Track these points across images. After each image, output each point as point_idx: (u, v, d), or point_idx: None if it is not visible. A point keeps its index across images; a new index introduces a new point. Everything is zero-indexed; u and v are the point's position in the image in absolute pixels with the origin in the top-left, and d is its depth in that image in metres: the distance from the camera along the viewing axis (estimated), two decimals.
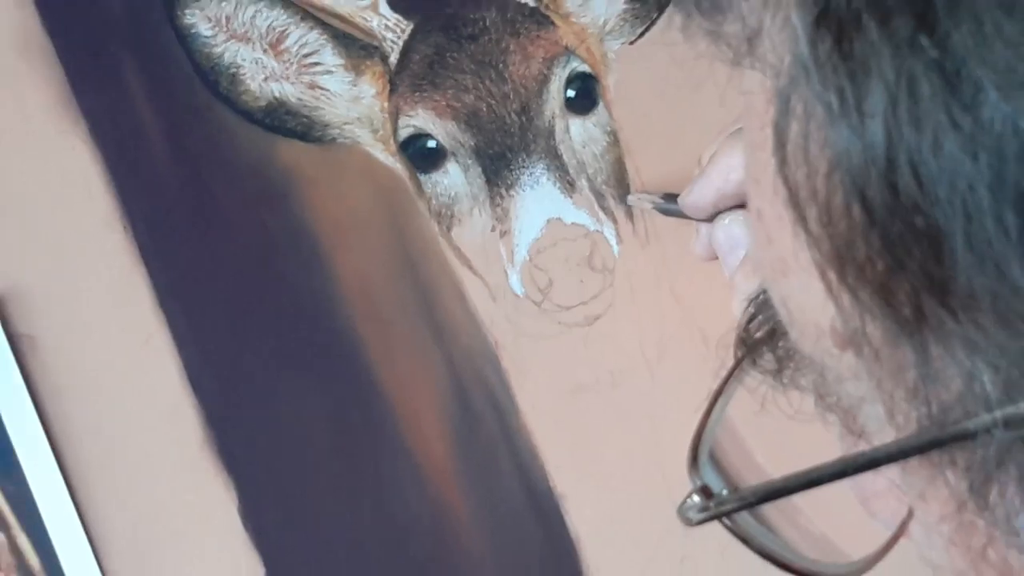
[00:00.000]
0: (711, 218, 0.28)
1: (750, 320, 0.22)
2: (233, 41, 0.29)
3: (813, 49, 0.12)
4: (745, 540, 0.20)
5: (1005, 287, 0.12)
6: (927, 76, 0.11)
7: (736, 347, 0.23)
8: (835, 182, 0.13)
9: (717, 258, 0.28)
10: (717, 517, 0.19)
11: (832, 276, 0.13)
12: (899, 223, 0.12)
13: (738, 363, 0.22)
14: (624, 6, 0.30)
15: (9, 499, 0.28)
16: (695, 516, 0.19)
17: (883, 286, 0.13)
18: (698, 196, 0.28)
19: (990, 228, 0.11)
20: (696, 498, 0.19)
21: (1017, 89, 0.11)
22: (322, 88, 0.29)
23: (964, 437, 0.13)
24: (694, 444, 0.20)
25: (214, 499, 0.29)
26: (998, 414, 0.13)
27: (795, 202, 0.13)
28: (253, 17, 0.29)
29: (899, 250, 0.12)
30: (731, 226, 0.27)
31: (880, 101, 0.12)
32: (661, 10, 0.30)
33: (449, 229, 0.30)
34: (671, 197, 0.29)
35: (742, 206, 0.27)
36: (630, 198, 0.30)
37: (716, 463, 0.20)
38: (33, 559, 0.28)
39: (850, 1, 0.12)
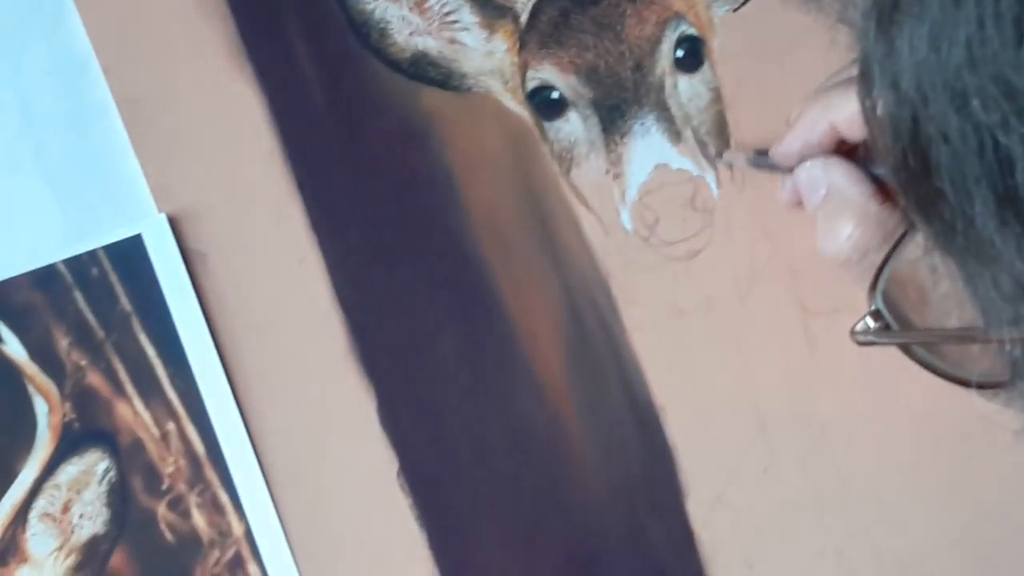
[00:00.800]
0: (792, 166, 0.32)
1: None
2: (383, 0, 0.33)
3: None
4: (905, 350, 0.25)
5: None
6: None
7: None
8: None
9: (801, 204, 0.31)
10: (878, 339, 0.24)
11: None
12: None
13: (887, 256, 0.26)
14: None
15: (180, 394, 0.32)
16: (861, 333, 0.23)
17: None
18: (787, 147, 0.31)
19: None
20: (868, 320, 0.23)
21: None
22: (460, 43, 0.33)
23: None
24: (875, 275, 0.24)
25: (355, 401, 0.33)
26: None
27: None
28: None
29: None
30: (812, 168, 0.30)
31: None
32: None
33: (568, 171, 0.34)
34: (761, 153, 0.33)
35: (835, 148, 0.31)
36: (725, 155, 0.34)
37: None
38: (199, 445, 0.32)
39: None
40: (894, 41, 0.17)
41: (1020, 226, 0.15)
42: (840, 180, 0.29)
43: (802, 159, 0.31)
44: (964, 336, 0.22)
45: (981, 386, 0.24)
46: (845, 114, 0.30)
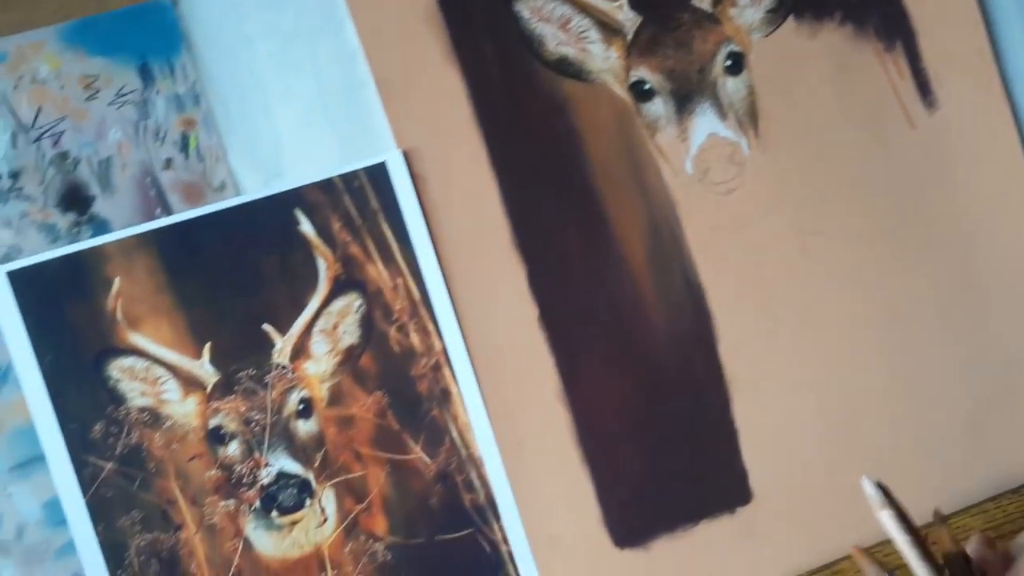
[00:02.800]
0: None
1: None
2: (541, 22, 0.53)
3: None
4: None
5: None
6: None
7: None
8: None
9: None
10: None
11: None
12: None
13: None
14: (762, 15, 0.54)
15: (406, 261, 0.52)
16: None
17: None
18: None
19: None
20: None
21: None
22: (588, 51, 0.53)
23: None
24: None
25: (513, 272, 0.52)
26: None
27: None
28: (552, 9, 0.53)
29: None
30: None
31: None
32: (783, 21, 0.54)
33: (653, 135, 0.54)
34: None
35: None
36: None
37: None
38: (416, 293, 0.52)
39: None
40: None
41: None
42: None
43: None
44: None
45: None
46: None
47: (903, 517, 0.42)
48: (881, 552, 0.51)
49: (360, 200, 0.52)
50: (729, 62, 0.54)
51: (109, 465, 0.50)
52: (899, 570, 0.44)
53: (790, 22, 0.55)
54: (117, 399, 0.50)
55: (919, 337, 0.55)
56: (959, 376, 0.56)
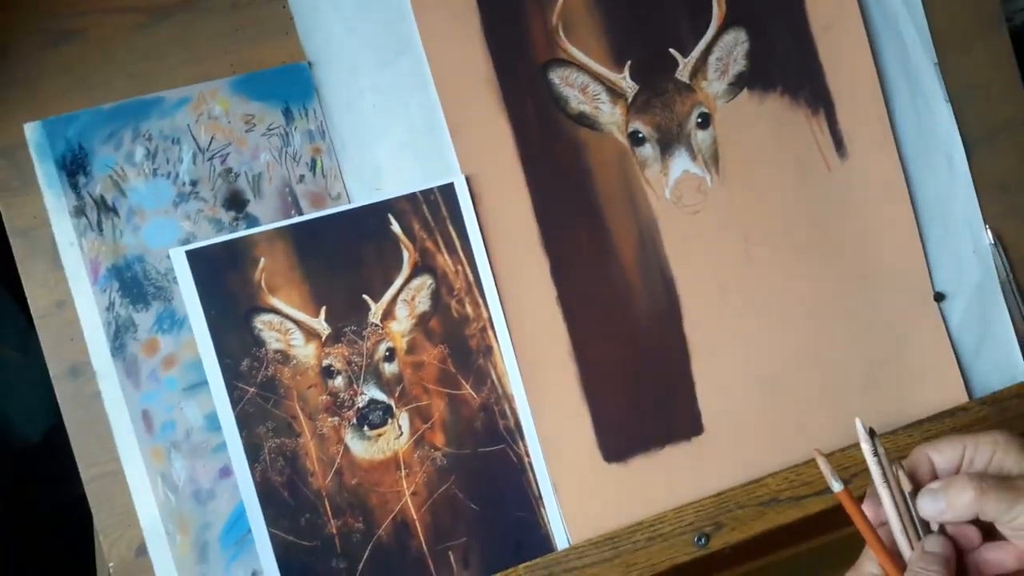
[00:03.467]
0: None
1: None
2: (566, 86, 0.72)
3: None
4: None
5: None
6: None
7: None
8: None
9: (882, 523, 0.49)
10: None
11: None
12: None
13: None
14: (725, 87, 0.73)
15: (464, 254, 0.71)
16: None
17: None
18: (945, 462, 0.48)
19: None
20: None
21: None
22: (600, 109, 0.72)
23: None
24: None
25: (540, 265, 0.72)
26: None
27: None
28: (576, 77, 0.72)
29: None
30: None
31: None
32: (740, 92, 0.73)
33: (643, 170, 0.71)
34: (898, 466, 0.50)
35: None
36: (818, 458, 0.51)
37: None
38: (471, 276, 0.69)
39: None
40: None
41: None
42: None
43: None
44: None
45: None
46: (945, 458, 0.47)
47: (879, 453, 0.48)
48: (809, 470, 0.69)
49: (434, 209, 0.69)
50: (700, 120, 0.72)
51: (252, 390, 0.65)
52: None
53: (745, 92, 0.71)
54: (259, 343, 0.65)
55: (830, 318, 0.70)
56: (858, 346, 0.71)
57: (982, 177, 0.72)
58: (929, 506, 0.46)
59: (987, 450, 0.47)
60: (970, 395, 0.72)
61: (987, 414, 0.69)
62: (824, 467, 0.50)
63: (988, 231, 0.73)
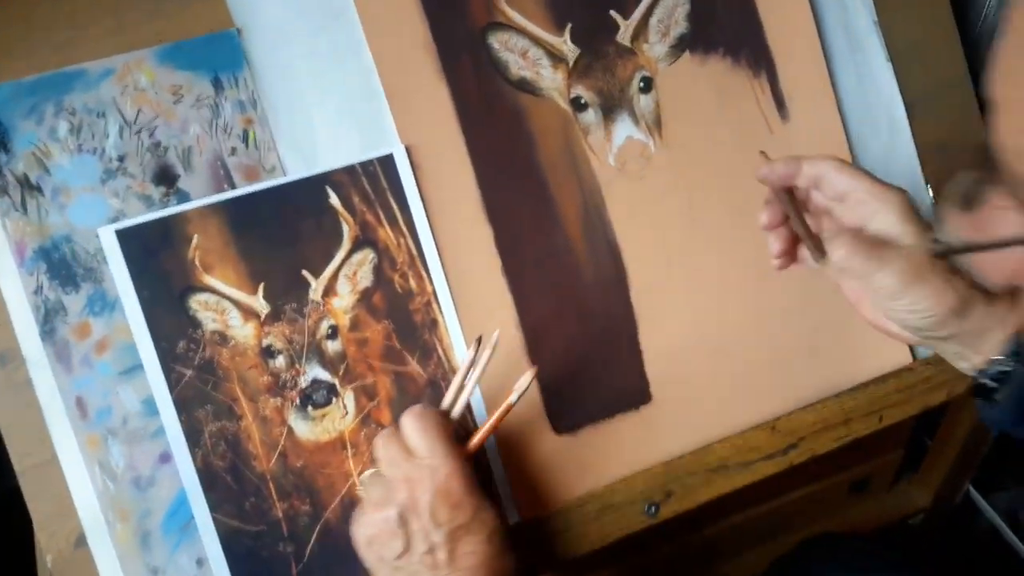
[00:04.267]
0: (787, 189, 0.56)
1: None
2: (505, 50, 0.71)
3: None
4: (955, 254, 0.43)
5: None
6: None
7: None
8: None
9: (773, 227, 0.60)
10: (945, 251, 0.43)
11: None
12: None
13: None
14: (666, 50, 0.73)
15: (407, 225, 0.69)
16: (934, 250, 0.44)
17: None
18: (783, 171, 0.56)
19: None
20: (937, 245, 0.41)
21: None
22: (540, 74, 0.71)
23: None
24: (939, 221, 0.40)
25: (485, 237, 0.71)
26: None
27: None
28: (516, 41, 0.71)
29: None
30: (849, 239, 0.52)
31: None
32: (682, 54, 0.72)
33: (586, 136, 0.71)
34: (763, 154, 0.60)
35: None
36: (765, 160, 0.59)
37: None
38: (414, 249, 0.69)
39: None
40: None
41: None
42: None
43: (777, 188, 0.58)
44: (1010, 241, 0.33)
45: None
46: (806, 170, 0.55)
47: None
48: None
49: (374, 181, 0.69)
50: (642, 84, 0.72)
51: (189, 372, 0.63)
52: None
53: (686, 55, 0.71)
54: (196, 324, 0.64)
55: (773, 282, 0.70)
56: (802, 310, 0.71)
57: (922, 137, 0.72)
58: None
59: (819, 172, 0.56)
60: (914, 356, 0.72)
61: (931, 374, 0.70)
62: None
63: (929, 190, 0.73)
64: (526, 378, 0.62)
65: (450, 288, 0.67)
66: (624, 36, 0.70)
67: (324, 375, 0.66)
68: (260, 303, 0.65)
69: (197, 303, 0.65)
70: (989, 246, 0.37)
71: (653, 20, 0.71)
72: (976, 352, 0.50)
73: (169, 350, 0.63)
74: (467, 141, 0.68)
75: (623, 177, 0.70)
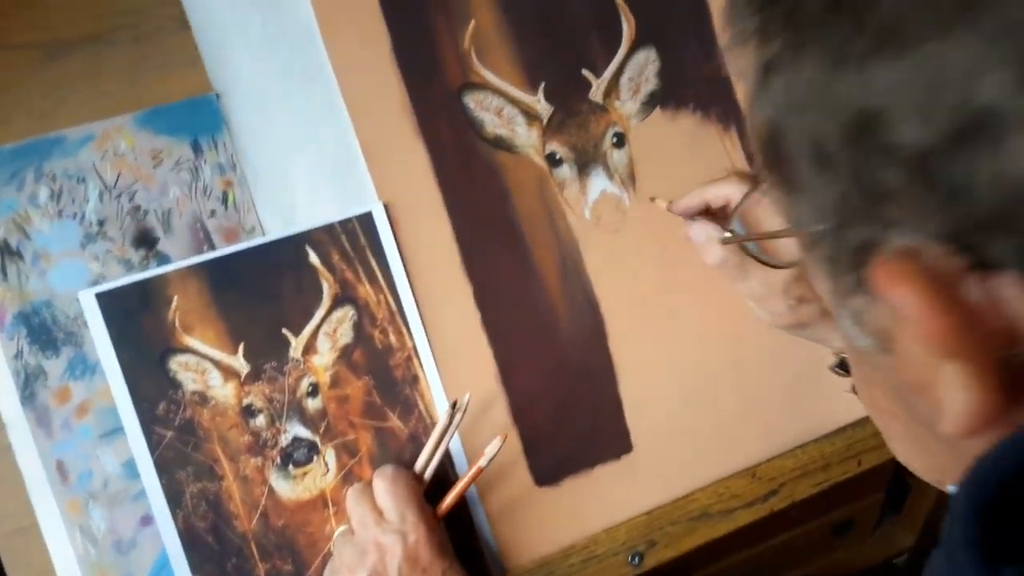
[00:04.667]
0: (689, 217, 0.61)
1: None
2: (481, 110, 0.73)
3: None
4: (742, 248, 0.54)
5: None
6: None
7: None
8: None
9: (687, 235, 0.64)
10: (732, 240, 0.55)
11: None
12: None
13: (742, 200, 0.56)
14: (638, 107, 0.74)
15: (386, 283, 0.70)
16: (724, 239, 0.54)
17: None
18: (685, 205, 0.62)
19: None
20: (727, 233, 0.53)
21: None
22: (516, 131, 0.73)
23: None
24: (730, 216, 0.54)
25: (464, 289, 0.71)
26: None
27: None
28: (491, 101, 0.73)
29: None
30: (703, 227, 0.59)
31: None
32: (654, 110, 0.74)
33: (562, 191, 0.73)
34: (671, 205, 0.65)
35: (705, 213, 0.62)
36: (659, 201, 0.68)
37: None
38: (394, 306, 0.70)
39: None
40: (769, 86, 0.27)
41: (822, 174, 0.25)
42: (713, 231, 0.59)
43: (690, 215, 0.62)
44: (781, 233, 0.35)
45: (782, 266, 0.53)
46: (711, 196, 0.60)
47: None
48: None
49: (353, 239, 0.70)
50: (615, 139, 0.73)
51: (170, 434, 0.64)
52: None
53: (658, 111, 0.73)
54: (176, 385, 0.64)
55: (750, 330, 0.70)
56: (779, 356, 0.72)
57: None
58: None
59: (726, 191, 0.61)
60: None
61: None
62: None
63: None
64: (495, 444, 0.63)
65: (430, 343, 0.68)
66: (596, 94, 0.72)
67: (305, 433, 0.66)
68: (240, 362, 0.66)
69: (177, 364, 0.65)
70: (761, 236, 0.47)
71: (624, 78, 0.73)
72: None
73: (150, 412, 0.64)
74: (445, 198, 0.69)
75: (599, 230, 0.71)
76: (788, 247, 0.48)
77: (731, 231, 0.55)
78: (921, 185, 0.22)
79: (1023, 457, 0.24)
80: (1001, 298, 0.23)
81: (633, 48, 0.73)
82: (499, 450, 0.63)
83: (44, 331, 0.63)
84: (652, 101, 0.72)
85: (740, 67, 0.28)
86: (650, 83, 0.73)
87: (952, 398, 0.25)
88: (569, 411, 0.70)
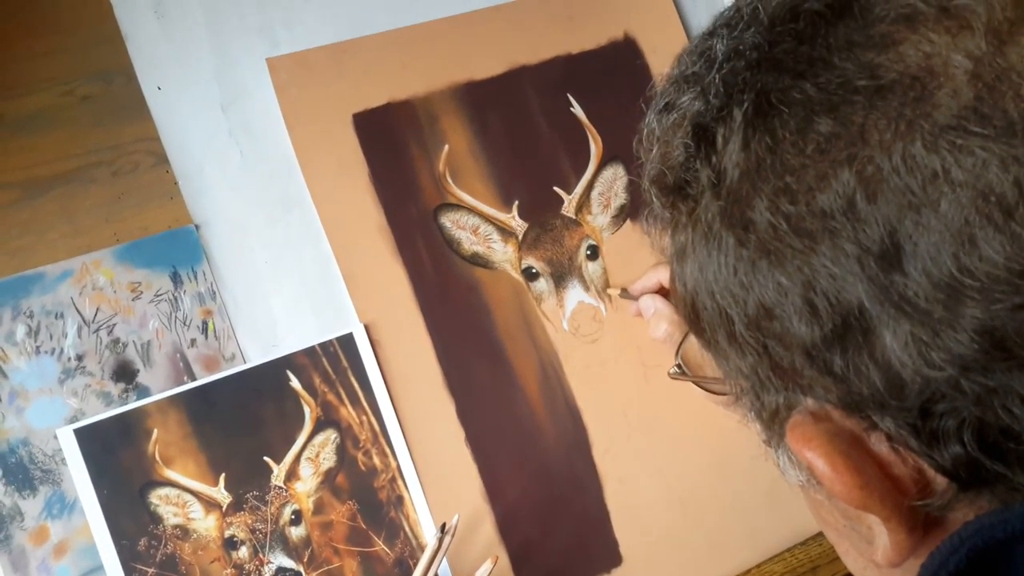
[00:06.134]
0: (637, 299, 0.71)
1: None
2: (457, 228, 0.74)
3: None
4: (693, 382, 0.54)
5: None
6: None
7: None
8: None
9: (641, 315, 0.71)
10: (679, 377, 0.56)
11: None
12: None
13: (681, 341, 0.54)
14: (609, 220, 0.76)
15: (369, 404, 0.70)
16: (672, 375, 0.55)
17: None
18: (638, 287, 0.69)
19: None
20: (675, 369, 0.53)
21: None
22: (492, 248, 0.75)
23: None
24: (677, 348, 0.53)
25: (446, 406, 0.72)
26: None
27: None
28: (466, 220, 0.74)
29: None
30: (649, 300, 0.63)
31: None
32: (624, 223, 0.76)
33: (540, 304, 0.75)
34: (624, 291, 0.74)
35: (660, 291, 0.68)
36: (608, 291, 0.75)
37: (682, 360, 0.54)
38: (377, 427, 0.70)
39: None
40: (684, 266, 0.29)
41: (734, 347, 0.28)
42: (661, 305, 0.69)
43: (644, 294, 0.72)
44: (717, 380, 0.36)
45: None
46: (665, 276, 0.64)
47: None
48: None
49: (334, 361, 0.71)
50: (589, 252, 0.75)
51: (151, 570, 0.62)
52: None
53: (628, 223, 0.76)
54: (156, 519, 0.64)
55: (731, 434, 0.71)
56: (762, 458, 0.76)
57: None
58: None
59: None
60: None
61: None
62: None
63: None
64: (485, 568, 0.63)
65: (414, 462, 0.68)
66: (568, 209, 0.74)
67: (288, 563, 0.65)
68: (222, 494, 0.65)
69: (158, 498, 0.64)
70: (700, 380, 0.48)
71: (594, 193, 0.75)
72: None
73: (130, 549, 0.63)
74: (424, 316, 0.70)
75: (577, 340, 0.72)
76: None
77: (679, 366, 0.55)
78: (815, 368, 0.25)
79: None
80: (906, 451, 0.26)
81: (601, 165, 0.75)
82: (490, 573, 0.62)
83: (21, 470, 0.62)
84: (622, 214, 0.74)
85: (660, 245, 0.32)
86: (619, 197, 0.75)
87: (879, 532, 0.27)
88: (557, 524, 0.69)
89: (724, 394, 0.49)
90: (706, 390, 0.54)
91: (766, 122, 0.25)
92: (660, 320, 0.64)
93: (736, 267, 0.26)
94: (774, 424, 0.29)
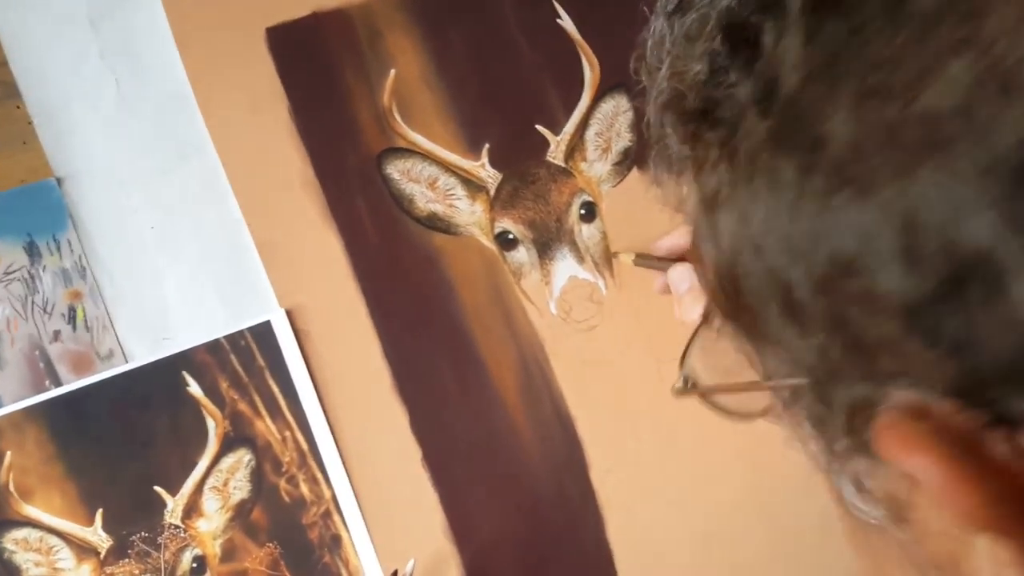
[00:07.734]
0: (666, 268, 0.54)
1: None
2: (409, 181, 0.57)
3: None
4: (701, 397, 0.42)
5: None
6: None
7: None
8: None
9: (667, 291, 0.54)
10: (689, 392, 0.38)
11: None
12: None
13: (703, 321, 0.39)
14: (609, 168, 0.59)
15: (293, 415, 0.54)
16: (677, 390, 0.42)
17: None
18: (668, 247, 0.53)
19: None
20: (680, 383, 0.41)
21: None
22: (455, 207, 0.57)
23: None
24: (682, 357, 0.42)
25: (396, 416, 0.55)
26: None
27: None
28: (421, 170, 0.57)
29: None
30: (682, 269, 0.51)
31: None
32: (629, 172, 0.59)
33: (519, 280, 0.57)
34: (644, 257, 0.56)
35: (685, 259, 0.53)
36: (622, 256, 0.57)
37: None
38: (304, 444, 0.54)
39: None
40: (717, 220, 0.23)
41: (793, 324, 0.22)
42: (688, 272, 0.52)
43: (671, 255, 0.53)
44: (751, 386, 0.31)
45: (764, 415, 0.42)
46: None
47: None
48: None
49: (246, 359, 0.54)
50: (583, 211, 0.58)
51: None
52: None
53: (634, 173, 0.59)
54: (12, 570, 0.50)
55: (772, 450, 0.59)
56: (810, 481, 0.60)
57: None
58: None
59: None
60: None
61: None
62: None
63: None
64: None
65: (355, 491, 0.55)
66: (556, 154, 0.57)
67: None
68: (98, 536, 0.52)
69: (13, 542, 0.51)
70: (728, 388, 0.35)
71: (590, 133, 0.57)
72: None
73: None
74: (366, 298, 0.56)
75: (569, 328, 0.58)
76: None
77: (686, 378, 0.41)
78: (917, 339, 0.20)
79: None
80: None
81: (599, 96, 0.58)
82: None
83: None
84: (626, 160, 0.59)
85: (673, 198, 0.26)
86: (622, 138, 0.58)
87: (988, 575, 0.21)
88: (544, 570, 0.56)
89: (753, 414, 0.35)
90: (721, 412, 0.40)
91: (838, 4, 0.20)
92: (700, 300, 0.46)
93: (797, 208, 0.20)
94: (847, 431, 0.22)
